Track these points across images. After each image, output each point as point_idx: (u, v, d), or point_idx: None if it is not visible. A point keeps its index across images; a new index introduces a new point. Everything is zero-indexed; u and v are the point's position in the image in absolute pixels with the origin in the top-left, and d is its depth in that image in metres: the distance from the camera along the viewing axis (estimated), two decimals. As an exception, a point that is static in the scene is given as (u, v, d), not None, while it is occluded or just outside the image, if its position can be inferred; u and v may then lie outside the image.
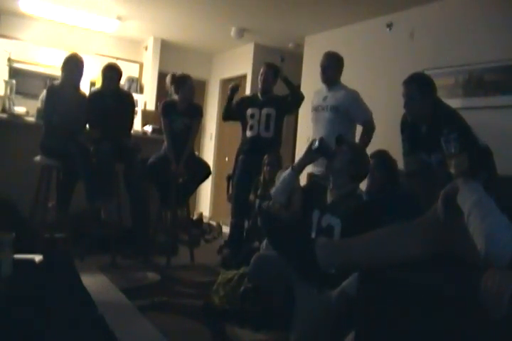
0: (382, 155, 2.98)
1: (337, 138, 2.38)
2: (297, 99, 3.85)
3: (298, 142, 5.42)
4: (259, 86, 3.95)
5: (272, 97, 3.91)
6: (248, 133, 3.91)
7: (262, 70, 3.93)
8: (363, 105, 3.42)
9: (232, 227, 3.98)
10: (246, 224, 3.97)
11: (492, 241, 1.21)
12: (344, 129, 3.40)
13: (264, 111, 3.84)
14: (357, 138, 3.47)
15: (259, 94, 3.97)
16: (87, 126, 3.74)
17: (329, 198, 2.28)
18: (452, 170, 2.42)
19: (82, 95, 3.73)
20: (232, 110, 4.02)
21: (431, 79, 2.79)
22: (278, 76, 3.87)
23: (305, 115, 4.45)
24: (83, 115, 3.67)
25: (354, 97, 3.42)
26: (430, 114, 2.64)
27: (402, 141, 2.88)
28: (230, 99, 4.03)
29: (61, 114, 3.48)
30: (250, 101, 3.99)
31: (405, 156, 2.86)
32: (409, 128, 2.81)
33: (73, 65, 3.55)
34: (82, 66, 3.59)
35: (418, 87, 2.65)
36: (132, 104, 3.93)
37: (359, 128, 3.51)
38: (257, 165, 3.79)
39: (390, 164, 2.94)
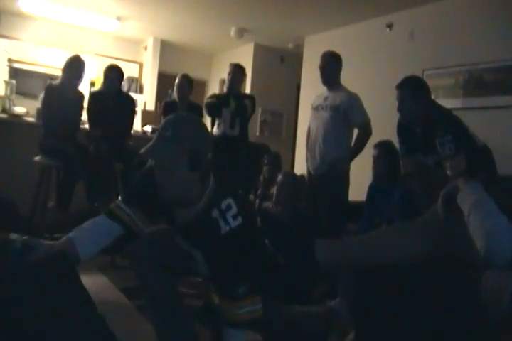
0: (386, 145, 3.02)
1: None
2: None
3: (298, 142, 5.42)
4: (227, 85, 3.98)
5: (237, 96, 3.93)
6: (215, 132, 3.93)
7: (230, 70, 3.98)
8: (361, 108, 3.41)
9: None
10: None
11: (492, 241, 1.21)
12: (343, 129, 3.40)
13: (229, 109, 3.86)
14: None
15: (225, 93, 4.00)
16: (88, 126, 3.74)
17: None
18: (449, 172, 2.43)
19: (80, 95, 3.73)
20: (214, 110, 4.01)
21: (424, 82, 2.81)
22: (245, 75, 4.00)
23: (305, 115, 4.44)
24: (81, 115, 3.68)
25: (354, 99, 3.41)
26: (424, 116, 2.65)
27: (398, 143, 2.90)
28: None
29: (59, 114, 3.48)
30: (221, 99, 3.97)
31: (402, 158, 2.88)
32: (405, 131, 2.83)
33: (75, 68, 3.55)
34: (84, 68, 3.60)
35: (410, 90, 2.66)
36: (133, 106, 3.94)
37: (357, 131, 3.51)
38: (226, 164, 3.75)
39: (394, 154, 2.99)
